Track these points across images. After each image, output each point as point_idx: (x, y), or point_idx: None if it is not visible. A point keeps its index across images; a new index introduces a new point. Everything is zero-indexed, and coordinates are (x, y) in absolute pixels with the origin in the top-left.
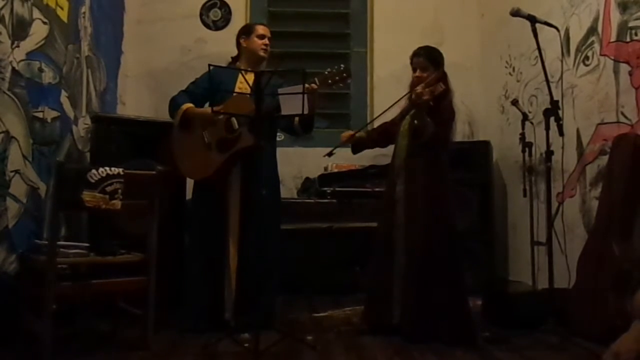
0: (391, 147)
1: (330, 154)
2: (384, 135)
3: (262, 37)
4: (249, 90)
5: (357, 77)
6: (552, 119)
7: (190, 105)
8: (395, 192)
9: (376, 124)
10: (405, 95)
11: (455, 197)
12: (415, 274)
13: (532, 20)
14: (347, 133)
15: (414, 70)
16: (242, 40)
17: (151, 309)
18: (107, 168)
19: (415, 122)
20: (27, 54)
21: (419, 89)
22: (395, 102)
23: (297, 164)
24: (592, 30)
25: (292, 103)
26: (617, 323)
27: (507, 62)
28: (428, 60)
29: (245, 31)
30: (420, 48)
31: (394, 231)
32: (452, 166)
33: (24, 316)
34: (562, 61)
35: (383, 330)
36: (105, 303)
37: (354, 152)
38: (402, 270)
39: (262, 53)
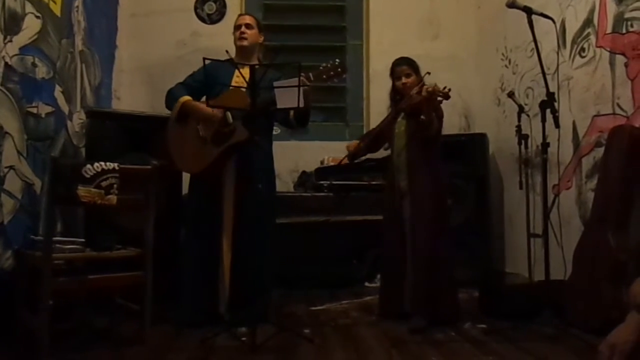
0: None
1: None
2: (378, 140)
3: (237, 27)
4: (245, 84)
5: (353, 70)
6: (548, 111)
7: (188, 98)
8: (400, 187)
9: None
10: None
11: (451, 190)
12: (422, 264)
13: (528, 11)
14: (354, 144)
15: (398, 78)
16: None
17: (148, 304)
18: (102, 163)
19: (422, 117)
20: (20, 48)
21: (429, 87)
22: (387, 116)
23: (294, 157)
24: (588, 22)
25: (287, 96)
26: (613, 314)
27: (503, 54)
28: (410, 67)
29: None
30: (399, 59)
31: (402, 224)
32: (448, 159)
33: (20, 312)
34: (558, 53)
35: (394, 316)
36: (102, 298)
37: (353, 160)
38: (411, 261)
39: (237, 43)
